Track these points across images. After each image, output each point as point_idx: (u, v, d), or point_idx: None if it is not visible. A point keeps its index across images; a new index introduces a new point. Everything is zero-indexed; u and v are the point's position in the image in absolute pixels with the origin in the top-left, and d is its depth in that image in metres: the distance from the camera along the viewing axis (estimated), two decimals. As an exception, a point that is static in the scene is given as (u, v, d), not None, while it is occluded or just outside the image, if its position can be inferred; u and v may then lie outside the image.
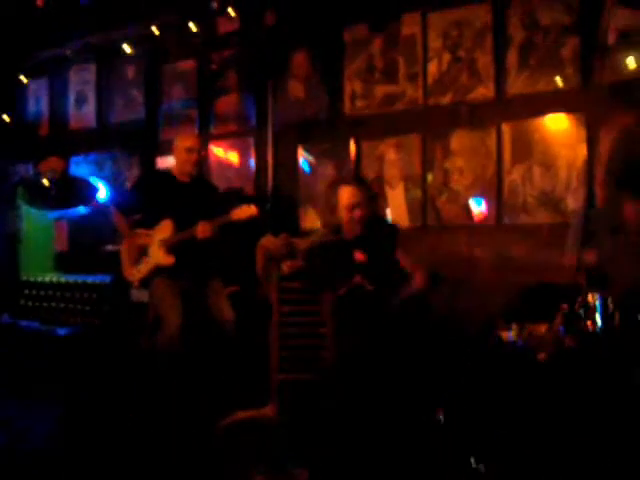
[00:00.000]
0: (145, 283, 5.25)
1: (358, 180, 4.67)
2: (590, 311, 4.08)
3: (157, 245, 5.10)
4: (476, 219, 5.54)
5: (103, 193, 7.29)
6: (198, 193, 5.25)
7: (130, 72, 7.48)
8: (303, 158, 6.36)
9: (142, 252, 5.17)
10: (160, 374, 4.94)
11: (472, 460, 3.64)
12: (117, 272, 5.61)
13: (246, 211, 4.89)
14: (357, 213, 4.27)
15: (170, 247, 5.06)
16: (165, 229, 5.10)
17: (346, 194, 4.32)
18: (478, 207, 5.53)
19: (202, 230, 4.93)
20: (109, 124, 7.66)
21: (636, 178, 4.34)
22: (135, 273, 5.21)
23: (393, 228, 4.70)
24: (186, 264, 5.08)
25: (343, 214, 4.29)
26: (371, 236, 4.29)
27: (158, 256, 5.09)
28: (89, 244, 7.07)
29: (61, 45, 7.55)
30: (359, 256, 4.02)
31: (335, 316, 3.77)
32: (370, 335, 4.01)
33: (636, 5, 4.94)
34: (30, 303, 6.97)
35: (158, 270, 5.10)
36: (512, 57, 5.45)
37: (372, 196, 4.62)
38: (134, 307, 5.81)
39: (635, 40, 4.96)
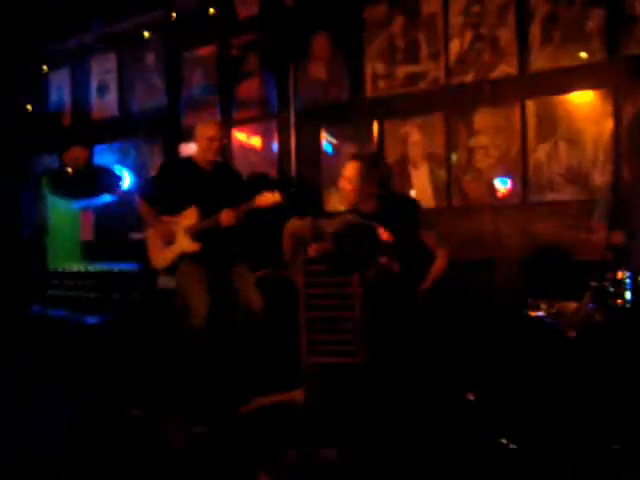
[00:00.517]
0: (171, 270, 5.28)
1: (367, 156, 4.66)
2: (620, 288, 4.04)
3: (182, 232, 5.12)
4: (501, 198, 5.48)
5: (127, 181, 7.32)
6: (221, 180, 5.26)
7: (150, 59, 7.48)
8: (326, 141, 6.34)
9: (168, 239, 5.20)
10: (189, 360, 4.97)
11: (504, 439, 3.63)
12: (144, 260, 5.64)
13: (270, 198, 4.89)
14: (349, 187, 4.30)
15: (195, 234, 5.08)
16: (190, 216, 5.12)
17: (348, 168, 4.39)
18: (503, 186, 5.48)
19: (226, 218, 4.94)
20: (131, 112, 7.68)
21: None
22: (161, 261, 5.25)
23: (413, 204, 4.68)
24: (212, 250, 5.10)
25: (342, 185, 4.37)
26: (388, 212, 4.28)
27: (183, 243, 5.12)
28: (115, 233, 7.12)
29: (81, 34, 7.58)
30: (385, 236, 4.00)
31: (363, 298, 3.76)
32: (399, 317, 4.00)
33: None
34: (58, 293, 7.02)
35: (184, 257, 5.12)
36: (535, 32, 5.36)
37: (385, 173, 4.59)
38: (162, 294, 5.83)
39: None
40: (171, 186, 5.25)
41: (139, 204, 5.39)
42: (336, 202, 6.02)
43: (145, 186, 6.05)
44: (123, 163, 7.55)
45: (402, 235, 4.20)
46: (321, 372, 3.90)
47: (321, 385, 3.91)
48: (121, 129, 7.70)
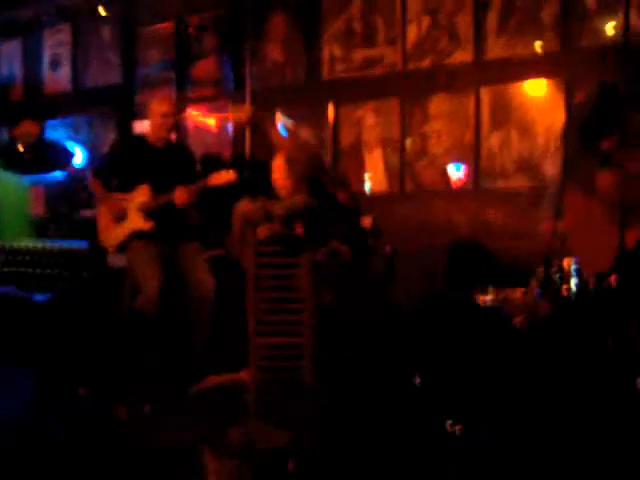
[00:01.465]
0: (122, 248, 5.22)
1: (293, 147, 4.69)
2: (565, 276, 4.12)
3: (134, 210, 5.07)
4: (454, 184, 5.54)
5: (79, 158, 7.21)
6: (174, 158, 5.21)
7: (106, 34, 7.38)
8: (281, 122, 6.32)
9: (119, 217, 5.14)
10: (138, 339, 4.94)
11: (448, 423, 3.68)
12: (94, 238, 5.57)
13: (224, 176, 4.85)
14: (279, 179, 4.45)
15: (148, 212, 5.03)
16: (142, 194, 5.06)
17: (275, 161, 4.51)
18: (456, 172, 5.54)
19: (180, 195, 4.90)
20: (85, 87, 7.58)
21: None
22: (112, 238, 5.18)
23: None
24: (163, 228, 5.05)
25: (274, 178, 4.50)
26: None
27: (136, 221, 5.06)
28: (66, 209, 7.01)
29: (35, 5, 7.43)
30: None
31: (312, 280, 3.78)
32: (346, 298, 4.03)
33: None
34: (6, 269, 6.90)
35: (135, 235, 5.07)
36: (491, 20, 5.44)
37: (309, 158, 4.62)
38: (112, 273, 5.77)
39: (614, 4, 4.93)
40: (123, 163, 5.18)
41: (91, 181, 5.32)
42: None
43: (97, 163, 5.97)
44: (75, 139, 7.44)
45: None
46: (268, 352, 3.91)
47: (269, 365, 3.92)
48: (74, 104, 7.58)
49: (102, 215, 5.25)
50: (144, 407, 4.32)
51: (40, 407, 4.40)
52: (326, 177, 4.80)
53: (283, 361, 3.88)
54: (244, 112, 4.78)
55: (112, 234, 5.17)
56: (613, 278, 3.94)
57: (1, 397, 4.57)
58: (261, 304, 3.86)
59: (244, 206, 4.03)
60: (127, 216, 5.10)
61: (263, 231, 3.89)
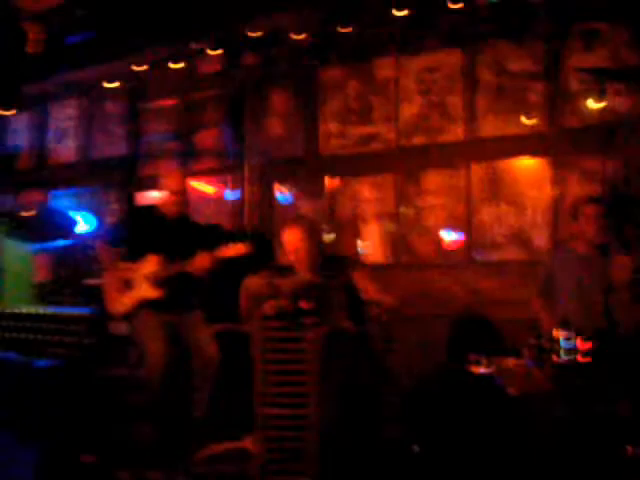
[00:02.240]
0: (127, 316, 5.35)
1: (306, 222, 4.81)
2: (555, 345, 4.28)
3: (142, 279, 5.21)
4: (447, 256, 5.75)
5: (83, 227, 7.39)
6: (183, 230, 5.38)
7: (111, 108, 7.64)
8: (280, 193, 6.56)
9: (126, 285, 5.27)
10: (143, 407, 5.04)
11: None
12: (97, 305, 5.69)
13: (237, 248, 4.98)
14: (300, 254, 4.49)
15: (157, 281, 5.17)
16: (151, 263, 5.21)
17: (288, 233, 4.57)
18: (449, 244, 5.75)
19: (201, 262, 5.01)
20: (90, 159, 7.79)
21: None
22: (119, 306, 5.29)
23: (344, 259, 4.84)
24: (170, 298, 5.20)
25: (288, 251, 4.54)
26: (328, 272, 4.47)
27: (144, 289, 5.19)
28: (68, 277, 7.15)
29: (43, 80, 7.69)
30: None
31: (317, 354, 3.94)
32: (349, 369, 4.18)
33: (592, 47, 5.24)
34: (8, 334, 6.99)
35: (143, 303, 5.20)
36: (482, 100, 5.71)
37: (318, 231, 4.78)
38: (113, 340, 5.89)
39: (595, 86, 5.22)
40: (135, 233, 5.34)
41: (100, 249, 5.47)
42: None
43: (107, 232, 6.12)
44: (79, 208, 7.63)
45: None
46: (273, 422, 4.04)
47: (274, 435, 4.05)
48: (79, 175, 7.80)
49: (110, 283, 5.36)
50: (149, 474, 4.42)
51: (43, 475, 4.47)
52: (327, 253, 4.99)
53: (288, 431, 4.02)
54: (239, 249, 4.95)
55: (120, 302, 5.28)
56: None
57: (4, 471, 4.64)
58: (268, 376, 4.02)
59: (251, 282, 4.20)
60: (135, 285, 5.24)
61: (270, 307, 4.06)
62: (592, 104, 5.22)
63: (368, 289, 4.44)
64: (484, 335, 5.31)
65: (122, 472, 4.54)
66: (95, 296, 6.19)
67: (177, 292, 5.18)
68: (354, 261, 4.94)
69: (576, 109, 5.33)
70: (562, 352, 4.26)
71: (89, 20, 6.51)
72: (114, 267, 5.33)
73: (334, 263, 4.52)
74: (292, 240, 4.51)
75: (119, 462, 4.69)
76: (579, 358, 4.22)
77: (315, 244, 4.52)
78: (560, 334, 4.28)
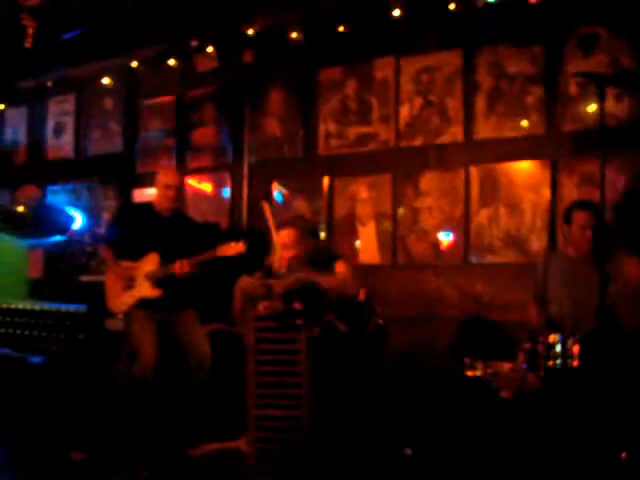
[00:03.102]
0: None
1: (301, 222, 4.82)
2: (551, 351, 4.27)
3: (143, 278, 5.19)
4: (443, 258, 5.74)
5: (79, 223, 7.37)
6: (178, 227, 5.36)
7: (109, 104, 7.63)
8: (278, 192, 6.54)
9: (127, 284, 5.25)
10: (134, 404, 5.04)
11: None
12: (92, 301, 5.68)
13: (234, 248, 4.97)
14: (287, 253, 4.54)
15: (156, 280, 5.16)
16: (151, 262, 5.20)
17: (283, 234, 4.65)
18: (446, 246, 5.74)
19: (179, 267, 5.03)
20: (87, 155, 7.79)
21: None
22: (120, 304, 5.27)
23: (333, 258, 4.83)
24: (166, 297, 5.19)
25: (280, 252, 4.61)
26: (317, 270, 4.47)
27: (144, 288, 5.18)
28: (64, 273, 7.14)
29: (41, 76, 7.67)
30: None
31: (309, 355, 3.94)
32: (342, 371, 4.18)
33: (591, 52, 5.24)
34: (3, 330, 6.97)
35: (143, 302, 5.18)
36: (480, 103, 5.69)
37: (310, 232, 4.76)
38: (109, 336, 5.87)
39: (593, 91, 5.19)
40: (131, 231, 5.32)
41: (102, 250, 5.45)
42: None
43: (108, 233, 6.08)
44: (76, 204, 7.61)
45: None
46: (266, 423, 4.04)
47: (267, 436, 4.04)
48: (75, 171, 7.79)
49: (111, 282, 5.34)
50: (140, 473, 4.41)
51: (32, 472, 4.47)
52: (324, 251, 4.99)
53: (280, 433, 4.01)
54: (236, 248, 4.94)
55: (120, 300, 5.26)
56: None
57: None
58: (260, 377, 4.01)
59: (245, 282, 4.19)
60: (135, 284, 5.22)
61: (263, 307, 4.05)
62: (590, 108, 5.21)
63: (348, 284, 4.43)
64: (480, 338, 5.30)
65: (112, 469, 4.54)
66: (90, 292, 6.19)
67: (171, 291, 5.17)
68: (339, 256, 4.91)
69: (574, 113, 5.32)
70: (557, 357, 4.26)
71: (85, 15, 6.49)
72: (116, 266, 5.30)
73: (327, 262, 4.51)
74: (285, 240, 4.53)
75: (109, 459, 4.69)
76: (574, 363, 4.22)
77: (308, 244, 4.52)
78: (555, 339, 4.28)
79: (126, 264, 5.26)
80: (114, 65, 7.28)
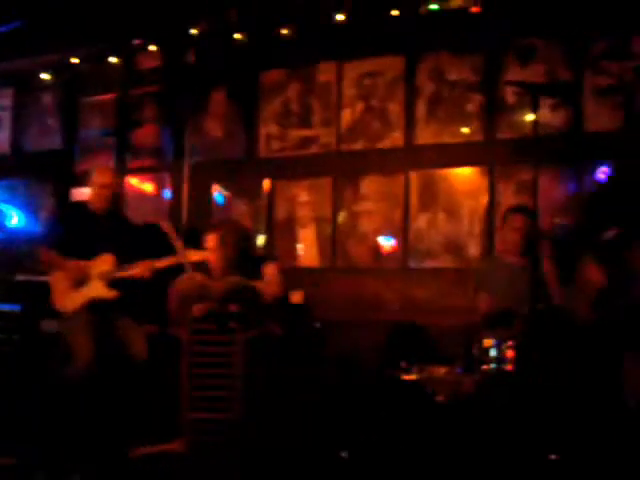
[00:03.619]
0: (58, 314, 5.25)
1: (226, 226, 4.81)
2: (485, 355, 4.34)
3: (96, 278, 5.09)
4: (383, 262, 5.78)
5: (15, 220, 7.23)
6: (113, 227, 5.30)
7: (47, 100, 7.49)
8: (218, 193, 6.51)
9: (78, 283, 5.12)
10: (69, 405, 4.96)
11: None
12: (27, 301, 5.57)
13: (199, 254, 4.87)
14: (212, 256, 4.58)
15: (110, 281, 5.06)
16: (105, 262, 5.10)
17: (209, 239, 4.68)
18: (385, 250, 5.78)
19: (142, 270, 4.94)
20: (24, 151, 7.63)
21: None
22: (69, 304, 5.12)
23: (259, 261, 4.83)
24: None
25: (207, 255, 4.62)
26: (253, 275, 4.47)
27: (97, 288, 5.08)
28: None
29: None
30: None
31: (244, 357, 3.92)
32: (278, 373, 4.18)
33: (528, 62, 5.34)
34: None
35: (95, 302, 5.08)
36: (421, 108, 5.75)
37: (239, 236, 4.75)
38: (44, 337, 5.78)
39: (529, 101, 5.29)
40: (68, 230, 5.23)
41: (43, 253, 5.32)
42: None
43: (47, 234, 5.94)
44: (11, 201, 7.45)
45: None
46: (201, 427, 4.01)
47: (201, 438, 4.02)
48: (12, 167, 7.62)
49: (58, 280, 5.18)
50: (69, 475, 4.34)
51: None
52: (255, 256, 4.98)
53: (215, 435, 3.99)
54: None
55: (69, 299, 5.11)
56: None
57: None
58: (194, 380, 3.98)
59: (181, 283, 4.16)
60: (87, 283, 5.11)
61: (199, 309, 4.02)
62: (527, 117, 5.30)
63: (275, 285, 4.43)
64: (417, 342, 5.35)
65: (41, 473, 4.46)
66: (25, 292, 6.07)
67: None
68: (266, 257, 4.92)
69: (512, 121, 5.42)
70: (491, 361, 4.33)
71: (22, 9, 6.37)
72: (64, 264, 5.16)
73: (254, 266, 4.51)
74: (209, 245, 4.53)
75: (39, 463, 4.60)
76: (508, 367, 4.29)
77: (234, 249, 4.52)
78: (490, 343, 4.35)
79: (77, 263, 5.14)
80: (54, 60, 7.14)
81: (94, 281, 5.07)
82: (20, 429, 4.98)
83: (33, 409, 5.19)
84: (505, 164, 5.43)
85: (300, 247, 6.10)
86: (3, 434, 4.91)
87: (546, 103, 4.95)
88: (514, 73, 5.33)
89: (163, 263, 4.95)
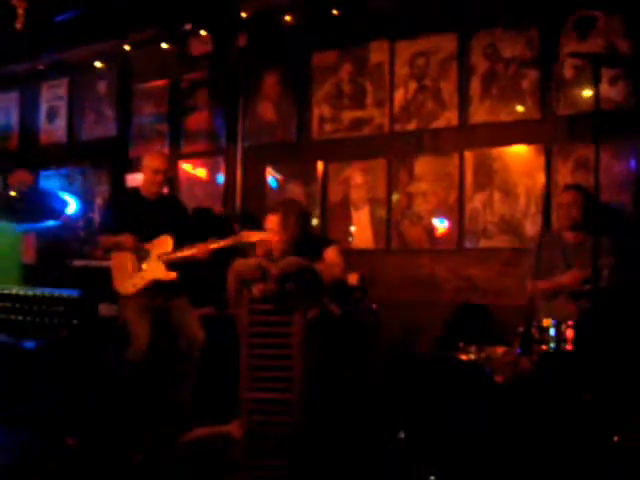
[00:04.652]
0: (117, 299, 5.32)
1: (286, 206, 4.78)
2: (545, 335, 4.29)
3: (156, 260, 5.14)
4: (438, 242, 5.73)
5: (72, 207, 7.35)
6: (167, 211, 5.35)
7: (102, 88, 7.59)
8: (272, 177, 6.52)
9: (137, 266, 5.19)
10: (127, 389, 5.04)
11: (432, 478, 3.83)
12: (85, 286, 5.66)
13: (258, 235, 4.89)
14: (274, 238, 4.55)
15: (170, 263, 5.12)
16: (164, 244, 5.16)
17: (269, 220, 4.61)
18: (440, 230, 5.73)
19: (202, 251, 4.99)
20: (80, 139, 7.76)
21: None
22: (129, 286, 5.20)
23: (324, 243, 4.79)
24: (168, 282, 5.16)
25: (268, 237, 4.61)
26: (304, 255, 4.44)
27: (157, 270, 5.14)
28: (57, 258, 7.12)
29: (34, 60, 7.63)
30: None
31: (304, 338, 3.92)
32: (336, 354, 4.17)
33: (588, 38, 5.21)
34: (-4, 315, 6.94)
35: (156, 284, 5.14)
36: (475, 86, 5.66)
37: (300, 216, 4.72)
38: (102, 322, 5.86)
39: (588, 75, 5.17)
40: (123, 215, 5.30)
41: (101, 240, 5.41)
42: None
43: (104, 221, 6.02)
44: (69, 189, 7.59)
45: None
46: (259, 407, 4.02)
47: (258, 420, 4.03)
48: (68, 155, 7.76)
49: (119, 263, 5.27)
50: (133, 456, 4.41)
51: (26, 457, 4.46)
52: (315, 237, 4.97)
53: (273, 416, 4.00)
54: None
55: (130, 281, 5.20)
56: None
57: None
58: (254, 360, 3.99)
59: (239, 265, 4.16)
60: (147, 265, 5.17)
61: (258, 290, 4.02)
62: (585, 92, 5.18)
63: (335, 268, 4.40)
64: (474, 323, 5.30)
65: (105, 454, 4.54)
66: (83, 277, 6.17)
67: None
68: (329, 240, 4.89)
69: (570, 97, 5.28)
70: (551, 341, 4.28)
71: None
72: (124, 243, 5.21)
73: (315, 248, 4.49)
74: (270, 226, 4.53)
75: (102, 444, 4.69)
76: (568, 347, 4.24)
77: (295, 230, 4.51)
78: (549, 323, 4.30)
79: (136, 241, 5.17)
80: (107, 49, 7.24)
81: (153, 263, 5.13)
82: (81, 412, 5.09)
83: (93, 392, 5.29)
84: (562, 141, 5.30)
85: (354, 229, 6.07)
86: (68, 416, 5.03)
87: (605, 76, 4.81)
88: (572, 47, 5.19)
89: (220, 244, 5.00)
